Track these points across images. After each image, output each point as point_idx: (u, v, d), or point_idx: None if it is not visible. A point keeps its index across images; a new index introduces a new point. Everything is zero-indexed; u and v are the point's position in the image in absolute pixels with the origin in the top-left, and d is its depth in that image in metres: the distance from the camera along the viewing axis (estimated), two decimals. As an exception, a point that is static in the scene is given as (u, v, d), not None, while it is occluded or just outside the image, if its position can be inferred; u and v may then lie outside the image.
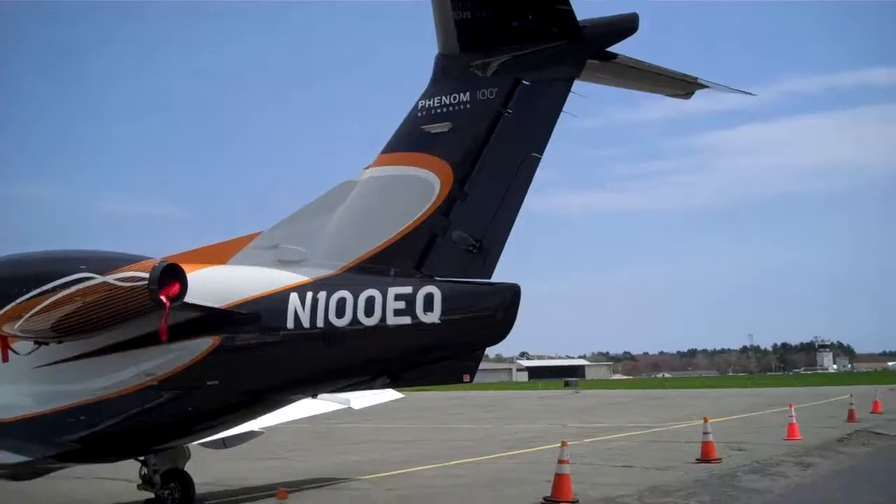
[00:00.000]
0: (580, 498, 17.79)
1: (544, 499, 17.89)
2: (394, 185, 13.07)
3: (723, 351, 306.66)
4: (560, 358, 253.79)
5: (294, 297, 12.97)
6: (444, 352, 12.87)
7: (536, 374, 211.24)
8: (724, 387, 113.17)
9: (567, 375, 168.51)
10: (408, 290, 12.45)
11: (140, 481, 17.57)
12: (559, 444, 18.91)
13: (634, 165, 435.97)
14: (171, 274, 12.72)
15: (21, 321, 13.06)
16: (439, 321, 12.26)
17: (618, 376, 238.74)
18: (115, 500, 19.28)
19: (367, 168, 13.39)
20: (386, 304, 12.48)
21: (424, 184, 12.77)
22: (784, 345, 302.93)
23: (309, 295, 12.90)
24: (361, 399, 22.13)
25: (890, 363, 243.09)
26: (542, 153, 12.76)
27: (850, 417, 40.10)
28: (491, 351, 14.39)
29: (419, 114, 12.96)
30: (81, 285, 12.73)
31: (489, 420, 49.19)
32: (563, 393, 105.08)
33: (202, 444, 17.51)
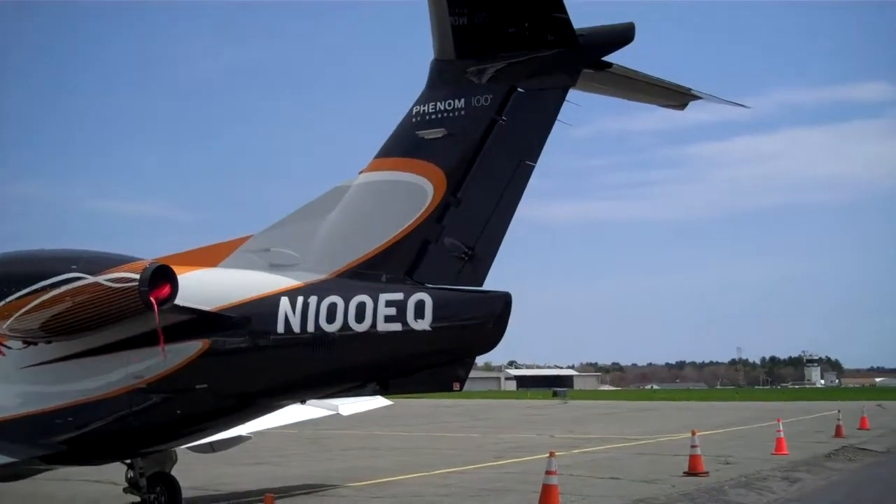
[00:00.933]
0: (568, 509, 17.73)
1: (531, 509, 17.84)
2: (386, 190, 13.02)
3: (711, 363, 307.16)
4: (549, 367, 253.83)
5: (285, 301, 12.90)
6: (435, 359, 12.81)
7: (525, 383, 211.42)
8: (712, 399, 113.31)
9: (555, 385, 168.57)
10: (399, 296, 12.39)
11: (126, 485, 17.44)
12: (547, 455, 18.87)
13: (626, 175, 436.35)
14: (162, 276, 12.64)
15: (10, 320, 12.95)
16: (430, 328, 12.20)
17: (606, 387, 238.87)
18: (100, 504, 19.12)
19: (361, 173, 13.34)
20: (377, 311, 12.42)
21: (417, 190, 12.72)
22: (772, 358, 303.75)
23: (300, 299, 12.84)
24: (350, 405, 22.06)
25: (878, 379, 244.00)
26: (535, 161, 12.73)
27: (838, 433, 40.12)
28: (480, 359, 14.38)
29: (413, 119, 12.92)
30: (71, 285, 12.62)
31: (477, 429, 49.14)
32: (551, 403, 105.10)
33: (190, 448, 17.38)
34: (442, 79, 12.70)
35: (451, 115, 12.59)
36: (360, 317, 12.46)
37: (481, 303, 12.48)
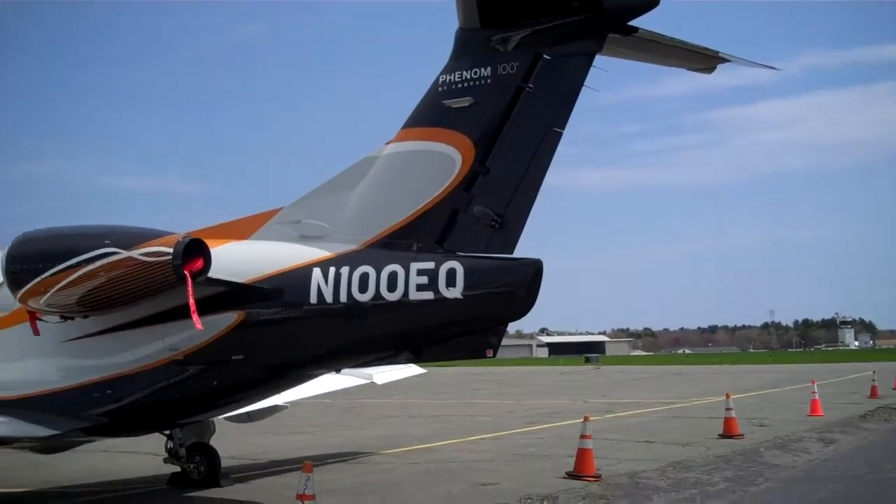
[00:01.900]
0: (602, 473, 17.84)
1: (567, 474, 17.95)
2: (415, 160, 13.07)
3: (743, 327, 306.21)
4: (580, 334, 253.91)
5: (317, 272, 13.02)
6: (467, 327, 12.90)
7: (556, 350, 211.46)
8: (745, 363, 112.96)
9: (587, 351, 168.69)
10: (430, 265, 12.48)
11: (166, 455, 17.82)
12: (580, 420, 18.97)
13: (655, 141, 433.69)
14: (195, 249, 12.80)
15: (47, 296, 13.18)
16: (462, 296, 12.28)
17: (638, 352, 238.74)
18: (141, 474, 19.46)
19: (388, 143, 13.39)
20: (408, 280, 12.52)
21: (445, 159, 12.77)
22: (805, 321, 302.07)
23: (331, 270, 12.96)
24: (384, 374, 22.26)
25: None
26: (563, 128, 12.74)
27: (873, 394, 39.97)
28: (511, 327, 14.43)
29: (440, 89, 12.94)
30: (106, 260, 12.81)
31: (510, 395, 49.32)
32: (583, 369, 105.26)
33: (227, 419, 17.68)
34: (467, 48, 12.70)
35: (477, 83, 12.60)
36: (391, 286, 12.56)
37: (512, 270, 12.54)
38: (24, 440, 14.68)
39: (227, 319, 13.36)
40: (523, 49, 12.38)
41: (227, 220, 14.42)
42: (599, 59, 12.54)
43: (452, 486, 17.14)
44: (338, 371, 16.15)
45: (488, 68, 12.55)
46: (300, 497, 11.02)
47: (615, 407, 38.27)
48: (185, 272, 12.60)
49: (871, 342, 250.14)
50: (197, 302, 12.68)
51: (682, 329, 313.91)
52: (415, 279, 12.50)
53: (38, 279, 13.16)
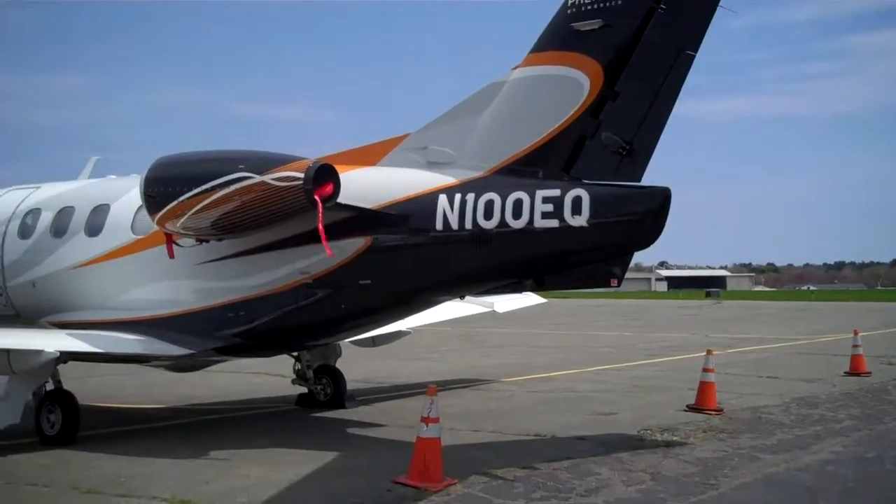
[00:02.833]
0: (724, 407, 17.63)
1: (687, 406, 17.80)
2: (542, 85, 12.94)
3: (871, 264, 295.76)
4: (700, 268, 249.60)
5: (443, 198, 13.09)
6: (592, 255, 12.85)
7: (676, 283, 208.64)
8: (871, 300, 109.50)
9: (707, 286, 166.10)
10: (556, 192, 12.41)
11: (294, 376, 18.35)
12: (701, 353, 18.73)
13: (781, 69, 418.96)
14: (325, 174, 12.99)
15: (183, 219, 13.60)
16: (587, 224, 12.21)
17: (760, 288, 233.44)
18: (269, 395, 20.11)
19: (515, 68, 13.27)
20: (534, 207, 12.49)
21: (573, 84, 12.60)
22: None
23: (457, 197, 13.00)
24: (505, 302, 22.38)
25: None
26: (696, 51, 12.43)
27: None
28: (630, 259, 14.25)
29: (568, 11, 12.72)
30: (239, 184, 13.11)
31: (629, 328, 49.01)
32: (703, 303, 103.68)
33: (352, 342, 18.08)
34: None
35: (607, 4, 12.34)
36: (517, 213, 12.55)
37: (640, 198, 12.39)
38: (160, 358, 15.31)
39: (355, 244, 13.59)
40: None
41: (355, 147, 14.57)
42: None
43: (571, 415, 17.19)
44: (462, 298, 16.35)
45: None
46: (424, 420, 11.20)
47: (737, 342, 37.64)
48: (316, 197, 12.81)
49: None
50: (326, 227, 12.92)
51: (806, 265, 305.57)
52: (540, 207, 12.46)
53: (175, 202, 13.57)
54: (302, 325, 14.73)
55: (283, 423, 16.53)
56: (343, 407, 17.73)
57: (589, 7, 12.46)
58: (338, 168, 13.24)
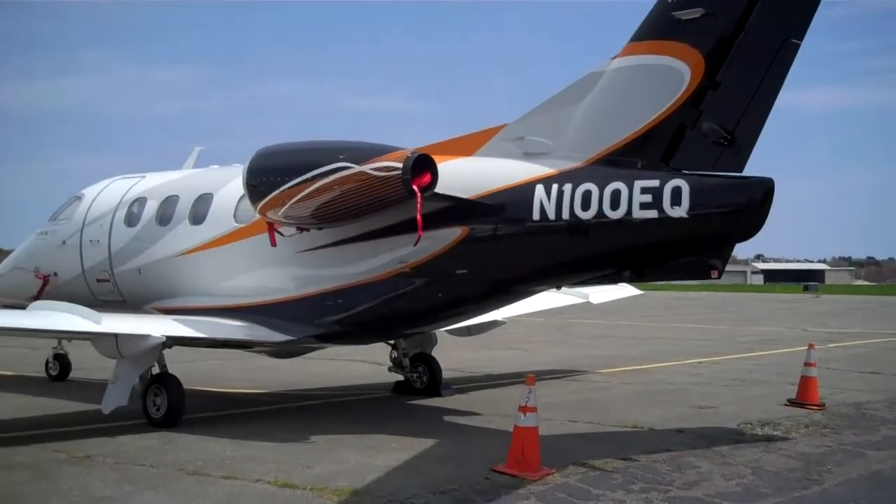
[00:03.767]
0: (826, 402, 17.28)
1: (788, 401, 17.48)
2: (641, 75, 12.81)
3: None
4: (798, 262, 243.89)
5: (540, 189, 13.08)
6: (691, 247, 12.71)
7: (772, 277, 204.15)
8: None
9: (805, 280, 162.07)
10: (655, 183, 12.29)
11: (390, 364, 18.56)
12: (800, 348, 18.38)
13: (888, 59, 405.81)
14: (423, 164, 13.09)
15: (284, 208, 13.86)
16: (687, 215, 12.07)
17: (860, 282, 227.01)
18: (366, 382, 20.37)
19: (614, 58, 13.16)
20: (632, 198, 12.39)
21: (674, 73, 12.44)
22: None
23: (554, 187, 12.97)
24: (600, 294, 22.26)
25: None
26: (801, 39, 12.18)
27: None
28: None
29: (669, 0, 12.56)
30: (340, 174, 13.30)
31: (725, 321, 48.22)
32: (801, 297, 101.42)
33: (448, 331, 18.19)
34: None
35: None
36: (614, 204, 12.47)
37: (741, 189, 12.21)
38: (262, 344, 15.63)
39: (452, 234, 13.66)
40: None
41: (453, 137, 14.64)
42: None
43: (669, 407, 17.03)
44: (558, 288, 16.32)
45: None
46: (522, 409, 11.22)
47: (837, 336, 36.75)
48: (414, 187, 12.93)
49: None
50: (423, 216, 13.02)
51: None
52: (638, 197, 12.36)
53: (276, 192, 13.83)
54: (399, 313, 14.87)
55: (381, 410, 16.74)
56: (439, 395, 17.86)
57: None
58: (435, 158, 13.33)
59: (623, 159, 12.74)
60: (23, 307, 16.29)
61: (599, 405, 17.26)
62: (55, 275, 19.12)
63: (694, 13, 12.27)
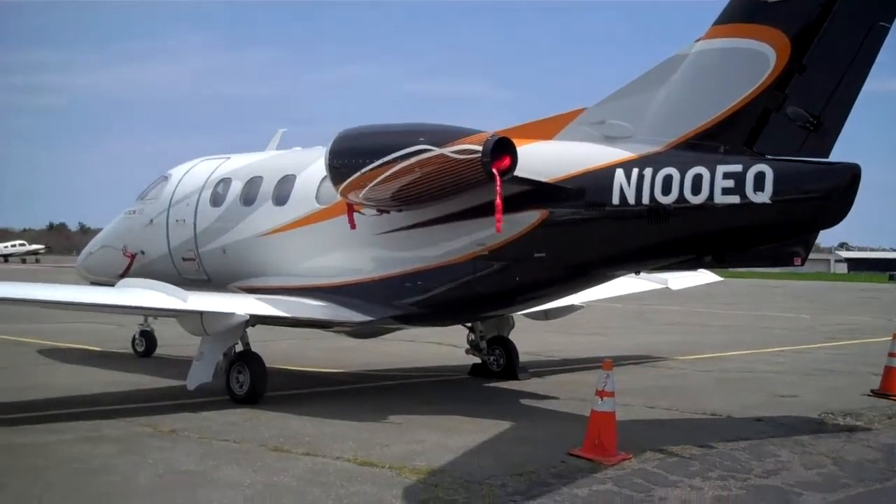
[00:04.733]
0: (911, 392, 16.92)
1: (872, 391, 17.16)
2: (725, 58, 12.64)
3: None
4: (883, 250, 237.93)
5: (620, 173, 13.01)
6: (774, 233, 12.54)
7: (857, 266, 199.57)
8: None
9: (890, 269, 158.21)
10: (737, 168, 12.15)
11: (467, 347, 18.66)
12: (884, 338, 18.01)
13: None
14: (503, 147, 13.11)
15: (365, 190, 14.01)
16: (770, 201, 11.90)
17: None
18: (443, 363, 20.54)
19: (698, 41, 13.01)
20: (714, 183, 12.26)
21: (758, 56, 12.25)
22: None
23: (635, 171, 12.90)
24: (679, 280, 22.09)
25: None
26: (891, 23, 11.89)
27: None
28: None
29: None
30: (420, 157, 13.39)
31: (807, 310, 47.38)
32: (886, 286, 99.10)
33: (525, 315, 18.23)
34: None
35: None
36: (696, 189, 12.36)
37: (827, 175, 12.00)
38: (342, 324, 15.86)
39: (531, 217, 13.68)
40: None
41: (532, 121, 14.63)
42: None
43: (748, 395, 16.86)
44: (637, 273, 16.25)
45: None
46: (599, 393, 11.22)
47: (925, 327, 35.85)
48: (493, 170, 12.97)
49: None
50: (503, 199, 13.06)
51: None
52: (720, 182, 12.23)
53: (357, 174, 13.99)
54: (477, 296, 14.94)
55: (458, 392, 16.88)
56: (516, 378, 17.92)
57: None
58: (515, 141, 13.34)
59: (705, 143, 12.60)
60: (111, 285, 16.73)
61: (677, 391, 17.16)
62: (142, 253, 19.61)
63: (781, -5, 12.06)
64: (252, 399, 14.79)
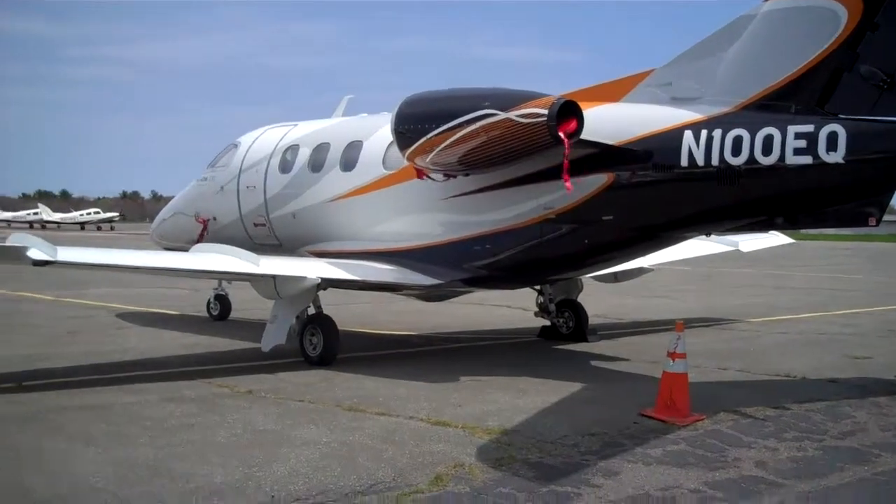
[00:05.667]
0: None
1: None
2: (795, 17, 12.44)
3: None
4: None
5: (688, 134, 12.92)
6: (847, 194, 12.37)
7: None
8: None
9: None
10: (809, 128, 12.00)
11: (536, 309, 18.76)
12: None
13: None
14: (569, 110, 13.09)
15: (432, 154, 14.11)
16: (843, 161, 11.76)
17: None
18: (512, 326, 20.68)
19: (766, 0, 12.85)
20: (785, 143, 12.14)
21: (829, 14, 12.05)
22: None
23: (703, 133, 12.80)
24: (750, 242, 21.89)
25: None
26: (967, -22, 11.60)
27: None
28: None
29: None
30: (486, 121, 13.42)
31: (882, 272, 46.43)
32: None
33: (594, 278, 18.24)
34: None
35: None
36: (767, 150, 12.25)
37: (902, 133, 11.79)
38: (412, 288, 16.06)
39: (599, 181, 13.66)
40: None
41: (598, 83, 14.57)
42: None
43: (822, 356, 16.72)
44: (707, 235, 16.15)
45: None
46: (671, 354, 11.24)
47: None
48: (560, 133, 12.97)
49: None
50: (569, 163, 13.07)
51: None
52: (792, 143, 12.10)
53: (424, 139, 14.08)
54: (545, 259, 15.00)
55: (528, 354, 17.00)
56: (585, 341, 17.98)
57: None
58: (581, 104, 13.30)
59: (775, 104, 12.46)
60: (184, 251, 17.13)
61: (750, 353, 17.06)
62: (214, 219, 19.98)
63: (852, -49, 11.83)
64: (325, 361, 15.07)
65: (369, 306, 23.30)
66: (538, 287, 18.21)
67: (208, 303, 22.00)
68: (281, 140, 19.25)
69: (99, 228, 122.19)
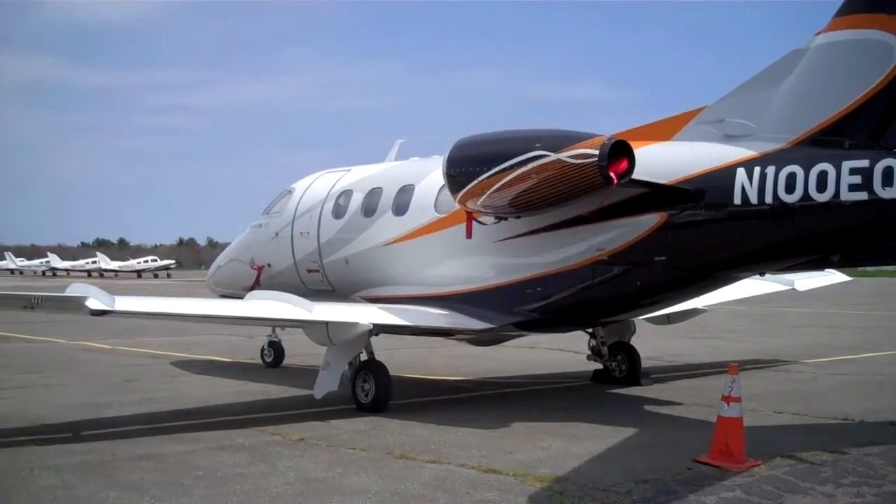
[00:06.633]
0: None
1: None
2: (847, 50, 12.31)
3: None
4: None
5: (741, 172, 12.78)
6: None
7: None
8: None
9: None
10: (864, 163, 11.82)
11: (589, 353, 18.57)
12: None
13: None
14: (620, 150, 13.02)
15: (483, 197, 14.11)
16: None
17: None
18: (565, 370, 20.48)
19: (818, 34, 12.72)
20: (840, 179, 11.94)
21: (882, 47, 11.91)
22: None
23: (756, 170, 12.66)
24: (806, 281, 21.53)
25: None
26: None
27: None
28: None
29: None
30: (537, 162, 13.40)
31: (944, 309, 45.46)
32: None
33: (647, 320, 18.04)
34: None
35: None
36: (821, 186, 12.07)
37: (961, 168, 11.55)
38: (464, 332, 15.97)
39: (651, 220, 13.54)
40: None
41: (650, 122, 14.50)
42: None
43: (880, 398, 16.33)
44: (762, 274, 15.91)
45: None
46: (725, 398, 11.03)
47: None
48: (611, 173, 12.89)
49: None
50: (621, 203, 12.98)
51: None
52: (847, 178, 11.91)
53: (475, 182, 14.09)
54: (597, 301, 14.86)
55: (580, 398, 16.80)
56: (638, 384, 17.75)
57: None
58: (632, 144, 13.24)
59: (829, 139, 12.30)
60: (239, 297, 17.23)
61: (806, 396, 16.71)
62: (269, 265, 20.11)
63: (905, -17, 11.70)
64: (377, 407, 15.01)
65: (421, 351, 23.23)
66: (590, 330, 18.04)
67: (262, 350, 22.09)
68: (334, 185, 19.38)
69: (156, 276, 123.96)
